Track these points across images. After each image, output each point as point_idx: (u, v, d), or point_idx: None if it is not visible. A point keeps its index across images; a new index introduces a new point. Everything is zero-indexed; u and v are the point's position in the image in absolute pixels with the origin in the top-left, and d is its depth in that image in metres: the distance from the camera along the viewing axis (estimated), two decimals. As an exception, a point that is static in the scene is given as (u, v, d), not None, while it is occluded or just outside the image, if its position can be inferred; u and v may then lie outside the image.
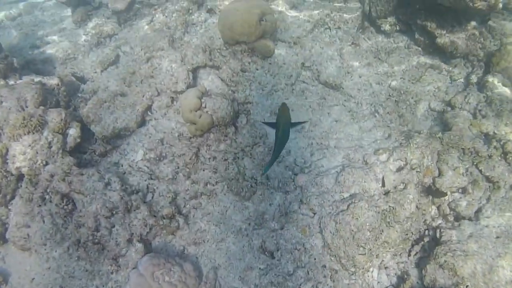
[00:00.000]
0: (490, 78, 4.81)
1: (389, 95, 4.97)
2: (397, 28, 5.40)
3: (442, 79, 5.19)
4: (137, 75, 4.95)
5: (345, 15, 5.46)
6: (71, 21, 6.44)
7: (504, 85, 4.82)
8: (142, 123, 4.65)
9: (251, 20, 4.56)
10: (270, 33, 4.86)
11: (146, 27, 5.75)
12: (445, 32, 4.96)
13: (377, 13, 5.35)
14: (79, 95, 5.16)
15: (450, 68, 5.22)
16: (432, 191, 4.00)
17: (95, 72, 5.52)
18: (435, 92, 5.04)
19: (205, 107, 4.20)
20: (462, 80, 5.14)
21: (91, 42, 5.94)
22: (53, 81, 5.01)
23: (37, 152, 4.04)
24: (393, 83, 5.06)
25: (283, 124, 3.21)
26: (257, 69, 4.95)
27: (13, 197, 4.05)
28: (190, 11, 5.48)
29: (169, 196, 4.00)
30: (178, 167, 4.21)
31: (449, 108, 4.85)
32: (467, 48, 4.99)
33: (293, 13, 5.49)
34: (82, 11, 6.16)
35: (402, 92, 4.99)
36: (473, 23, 5.00)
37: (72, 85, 5.39)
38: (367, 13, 5.52)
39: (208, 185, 4.14)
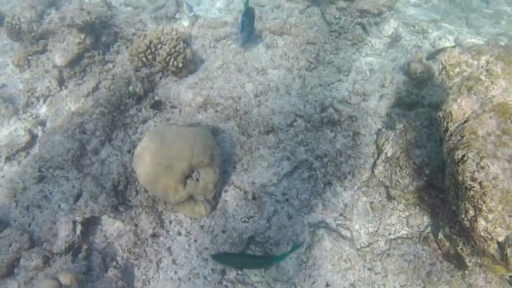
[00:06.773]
0: None
1: None
2: None
3: None
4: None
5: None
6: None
7: None
8: None
9: (168, 181, 2.83)
10: (205, 194, 3.10)
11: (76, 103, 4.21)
12: None
13: None
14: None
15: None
16: None
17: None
18: None
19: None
20: None
21: (19, 103, 4.57)
22: None
23: None
24: None
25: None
26: (179, 234, 3.29)
27: None
28: (123, 107, 3.77)
29: None
30: None
31: None
32: None
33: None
34: (22, 53, 4.75)
35: None
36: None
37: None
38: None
39: None
